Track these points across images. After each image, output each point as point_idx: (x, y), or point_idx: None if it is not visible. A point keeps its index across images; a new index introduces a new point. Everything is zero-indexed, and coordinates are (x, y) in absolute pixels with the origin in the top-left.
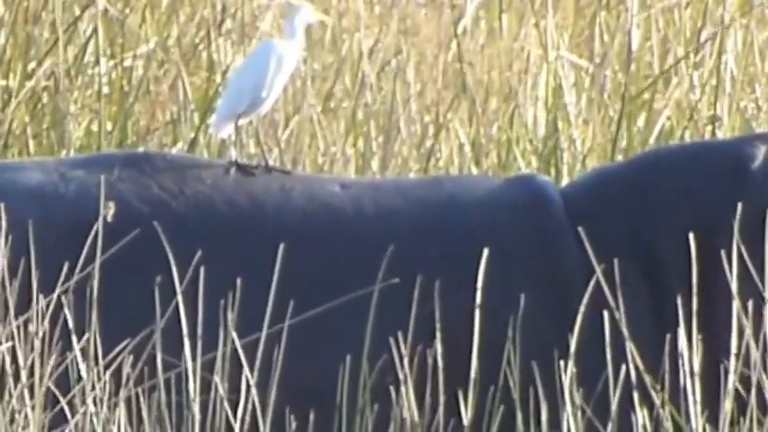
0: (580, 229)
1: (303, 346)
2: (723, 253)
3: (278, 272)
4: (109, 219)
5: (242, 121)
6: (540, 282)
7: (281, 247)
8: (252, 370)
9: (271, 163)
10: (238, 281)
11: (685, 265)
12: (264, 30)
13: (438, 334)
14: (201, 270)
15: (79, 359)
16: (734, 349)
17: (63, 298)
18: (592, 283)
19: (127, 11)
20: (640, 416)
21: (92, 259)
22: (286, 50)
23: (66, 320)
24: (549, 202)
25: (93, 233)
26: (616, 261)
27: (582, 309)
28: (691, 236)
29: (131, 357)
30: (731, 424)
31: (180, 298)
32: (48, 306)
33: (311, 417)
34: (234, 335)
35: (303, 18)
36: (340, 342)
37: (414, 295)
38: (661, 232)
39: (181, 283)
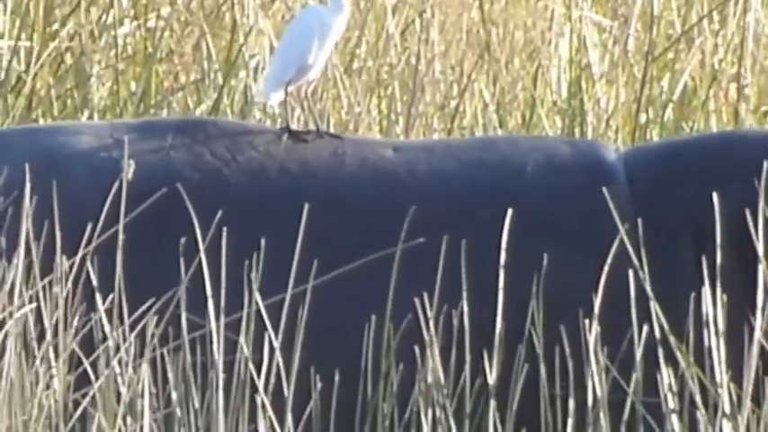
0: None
1: (357, 310)
2: (748, 214)
3: (328, 237)
4: (129, 177)
5: (291, 88)
6: (590, 250)
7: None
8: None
9: (322, 128)
10: (277, 244)
11: (731, 240)
12: None
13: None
14: (250, 235)
15: (104, 320)
16: (760, 305)
17: (88, 259)
18: (615, 244)
19: None
20: (665, 375)
21: (135, 223)
22: (331, 17)
23: (106, 280)
24: (609, 171)
25: (123, 195)
26: (665, 237)
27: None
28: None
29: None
30: (755, 383)
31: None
32: (71, 267)
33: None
34: (258, 297)
35: None
36: (397, 304)
37: (466, 257)
38: (713, 213)
39: (231, 248)
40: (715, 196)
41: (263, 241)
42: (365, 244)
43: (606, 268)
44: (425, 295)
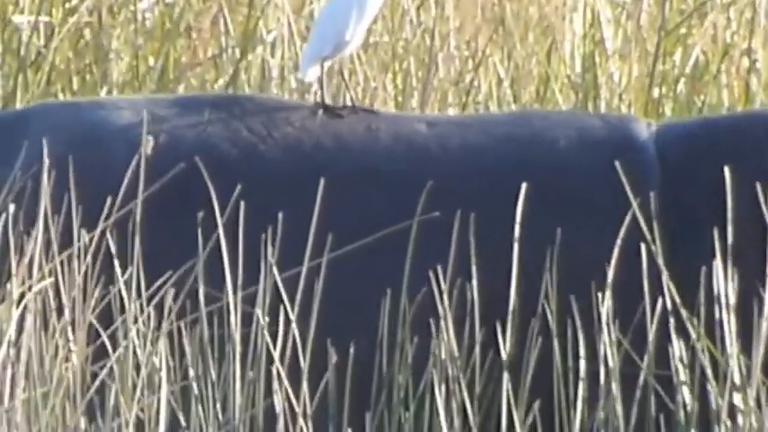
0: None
1: (386, 281)
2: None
3: (362, 209)
4: (148, 152)
5: (327, 64)
6: (609, 228)
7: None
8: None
9: (357, 104)
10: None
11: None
12: None
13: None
14: (285, 209)
15: (123, 292)
16: None
17: (107, 232)
18: (628, 217)
19: None
20: (677, 347)
21: (172, 197)
22: None
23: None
24: (641, 147)
25: (142, 170)
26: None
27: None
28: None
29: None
30: (765, 354)
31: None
32: (90, 240)
33: (351, 346)
34: (275, 270)
35: None
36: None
37: (496, 229)
38: (735, 192)
39: (266, 221)
40: (728, 173)
41: (296, 213)
42: (398, 217)
43: (622, 243)
44: (464, 265)
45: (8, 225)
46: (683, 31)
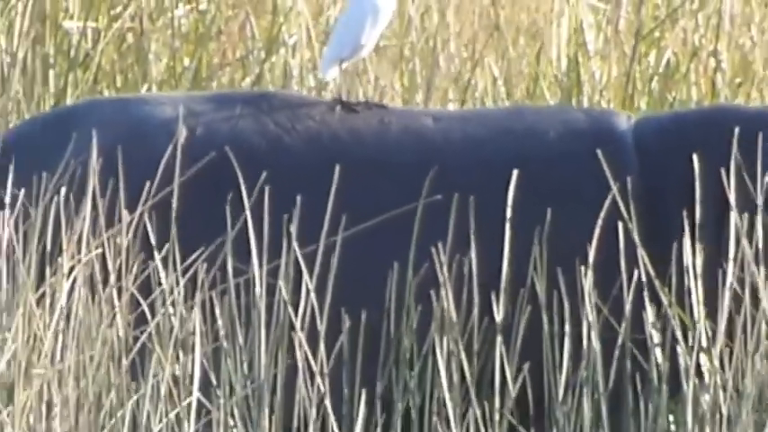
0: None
1: (393, 259)
2: (723, 173)
3: (373, 195)
4: (181, 142)
5: (345, 65)
6: (592, 210)
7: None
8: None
9: (371, 100)
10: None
11: (714, 200)
12: None
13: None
14: (306, 194)
15: (161, 266)
16: (731, 255)
17: (146, 214)
18: (608, 200)
19: None
20: (650, 314)
21: (207, 183)
22: (382, 4)
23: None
24: (620, 138)
25: (178, 159)
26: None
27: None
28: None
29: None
30: (728, 320)
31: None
32: (132, 221)
33: (363, 314)
34: (295, 247)
35: None
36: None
37: (493, 211)
38: (702, 177)
39: (289, 204)
40: (696, 161)
41: (315, 198)
42: (406, 200)
43: (603, 222)
44: (466, 245)
45: (60, 206)
46: (656, 35)
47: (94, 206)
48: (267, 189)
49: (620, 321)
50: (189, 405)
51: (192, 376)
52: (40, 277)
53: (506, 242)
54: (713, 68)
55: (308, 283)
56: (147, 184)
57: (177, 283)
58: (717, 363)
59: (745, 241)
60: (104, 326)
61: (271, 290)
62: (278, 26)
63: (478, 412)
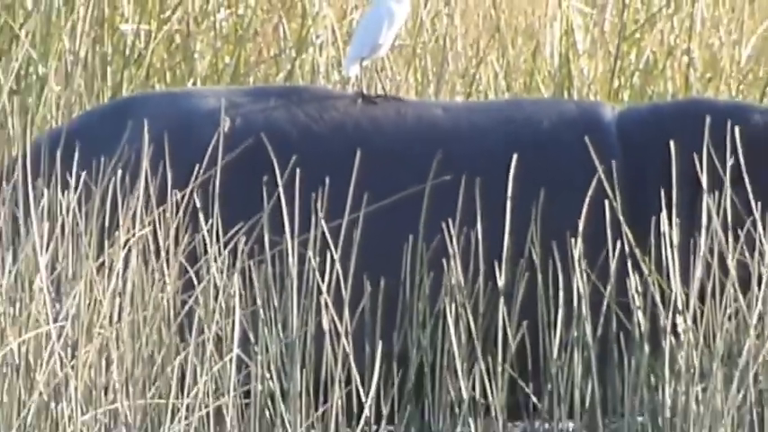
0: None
1: (407, 232)
2: (697, 160)
3: (390, 176)
4: (225, 130)
5: (365, 63)
6: (582, 189)
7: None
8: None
9: (389, 93)
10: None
11: (686, 181)
12: None
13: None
14: (331, 175)
15: (206, 238)
16: (704, 229)
17: (193, 193)
18: (595, 180)
19: None
20: (633, 280)
21: (243, 165)
22: (397, 10)
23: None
24: (605, 126)
25: (221, 144)
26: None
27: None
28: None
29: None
30: (700, 285)
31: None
32: (182, 198)
33: (382, 281)
34: (323, 222)
35: None
36: (434, 227)
37: (496, 190)
38: (678, 161)
39: (317, 184)
40: (672, 147)
41: (340, 179)
42: (419, 181)
43: (591, 200)
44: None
45: (117, 187)
46: (637, 36)
47: (147, 186)
48: (298, 171)
49: (606, 287)
50: (230, 360)
51: (232, 335)
52: (100, 249)
53: (507, 218)
54: (686, 65)
55: (334, 253)
56: (194, 166)
57: (220, 254)
58: (690, 323)
59: (715, 216)
60: (156, 291)
61: (301, 259)
62: (307, 28)
63: (483, 367)
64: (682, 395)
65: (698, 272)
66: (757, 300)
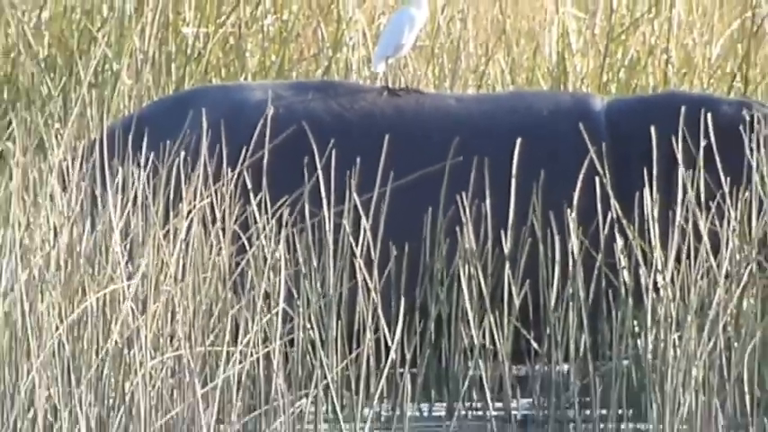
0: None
1: (426, 206)
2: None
3: (411, 157)
4: (270, 117)
5: (390, 61)
6: (576, 168)
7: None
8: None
9: (411, 87)
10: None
11: (662, 162)
12: None
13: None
14: (360, 156)
15: (255, 209)
16: (680, 201)
17: (244, 171)
18: (587, 159)
19: None
20: (620, 244)
21: (287, 148)
22: (417, 15)
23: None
24: (595, 115)
25: (268, 129)
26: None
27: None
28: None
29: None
30: (677, 249)
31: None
32: (233, 176)
33: (406, 246)
34: (355, 196)
35: None
36: (450, 201)
37: (503, 168)
38: (658, 144)
39: (349, 163)
40: (653, 132)
41: (369, 159)
42: (437, 161)
43: (584, 176)
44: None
45: (180, 165)
46: (623, 37)
47: (205, 165)
48: (333, 152)
49: (597, 250)
50: (276, 313)
51: (278, 292)
52: (166, 219)
53: (512, 192)
54: (665, 62)
55: (365, 222)
56: (245, 149)
57: (268, 223)
58: (668, 279)
59: (690, 191)
60: (214, 254)
61: (336, 228)
62: (341, 31)
63: (492, 318)
64: (661, 342)
65: (675, 237)
66: (725, 260)
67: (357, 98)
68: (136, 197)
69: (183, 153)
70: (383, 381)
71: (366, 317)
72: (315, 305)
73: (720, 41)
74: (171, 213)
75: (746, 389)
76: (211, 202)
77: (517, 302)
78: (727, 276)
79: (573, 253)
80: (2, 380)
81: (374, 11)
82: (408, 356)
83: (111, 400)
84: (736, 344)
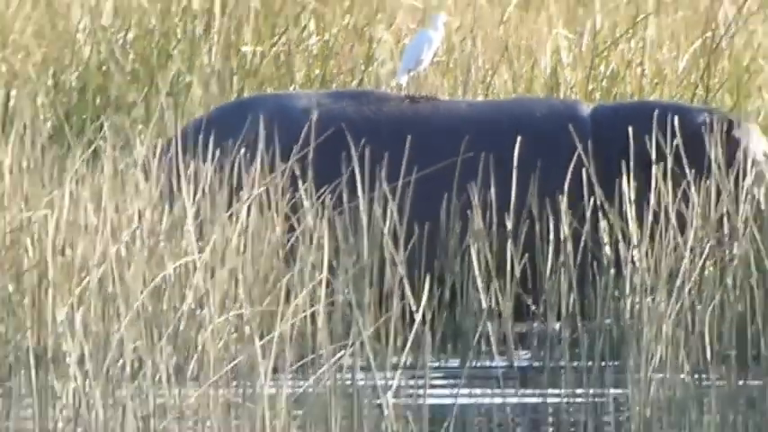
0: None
1: (444, 192)
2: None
3: (428, 152)
4: (314, 120)
5: (412, 73)
6: (566, 162)
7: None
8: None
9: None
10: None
11: (638, 160)
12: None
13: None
14: (388, 151)
15: (303, 195)
16: (653, 190)
17: (293, 164)
18: (576, 154)
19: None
20: (603, 223)
21: (327, 145)
22: (434, 36)
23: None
24: (582, 118)
25: (313, 130)
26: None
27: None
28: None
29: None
30: (650, 228)
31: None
32: (285, 169)
33: (426, 226)
34: (384, 184)
35: (442, 19)
36: (464, 189)
37: (505, 163)
38: (635, 143)
39: (379, 158)
40: (631, 134)
41: (394, 153)
42: (451, 155)
43: (572, 171)
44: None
45: (241, 160)
46: (605, 54)
47: (262, 160)
48: (366, 149)
49: (584, 228)
50: (320, 281)
51: (322, 263)
52: (230, 203)
53: (513, 182)
54: (640, 74)
55: (392, 206)
56: (293, 146)
57: (312, 206)
58: (644, 252)
59: (661, 181)
60: (269, 232)
61: (369, 209)
62: (372, 50)
63: (497, 285)
64: (637, 304)
65: (648, 219)
66: (690, 238)
67: (385, 104)
68: (205, 186)
69: (243, 149)
70: (409, 337)
71: (394, 284)
72: (350, 273)
73: (686, 57)
74: (234, 199)
75: (707, 342)
76: (267, 190)
77: (518, 272)
78: (691, 250)
79: (564, 231)
80: (97, 335)
81: (399, 33)
82: (428, 318)
83: (186, 352)
84: (698, 306)
